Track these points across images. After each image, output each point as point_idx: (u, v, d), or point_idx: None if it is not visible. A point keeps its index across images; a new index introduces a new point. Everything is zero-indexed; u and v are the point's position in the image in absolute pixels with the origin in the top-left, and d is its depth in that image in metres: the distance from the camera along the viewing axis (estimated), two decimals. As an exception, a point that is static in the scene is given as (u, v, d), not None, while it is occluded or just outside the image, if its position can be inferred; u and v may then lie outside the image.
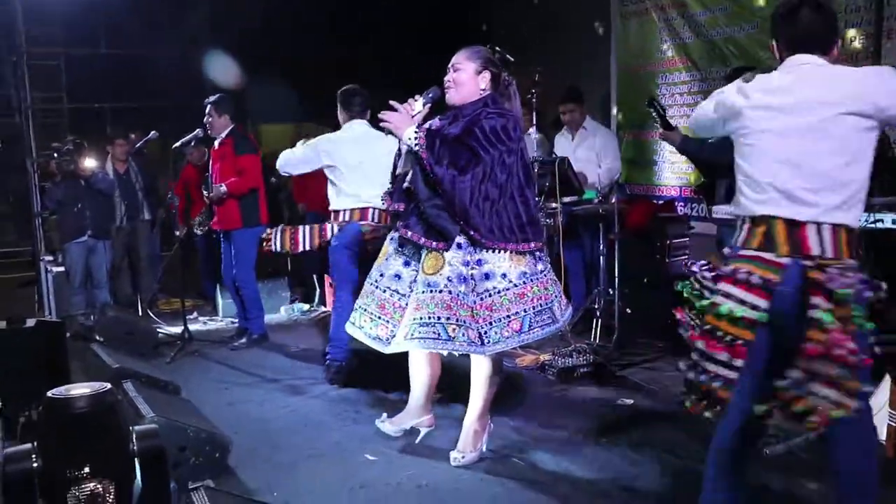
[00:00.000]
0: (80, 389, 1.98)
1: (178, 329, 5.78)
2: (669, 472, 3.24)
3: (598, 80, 7.10)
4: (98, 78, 8.89)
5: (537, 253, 3.32)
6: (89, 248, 6.24)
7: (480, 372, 3.37)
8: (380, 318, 3.35)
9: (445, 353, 3.31)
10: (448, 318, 3.16)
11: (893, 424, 3.19)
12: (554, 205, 5.00)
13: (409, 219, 3.29)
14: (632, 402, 4.11)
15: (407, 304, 3.29)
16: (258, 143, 6.33)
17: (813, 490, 2.98)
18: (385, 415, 3.68)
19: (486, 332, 3.15)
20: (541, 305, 3.25)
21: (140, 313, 6.58)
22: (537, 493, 3.09)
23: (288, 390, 4.58)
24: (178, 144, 5.62)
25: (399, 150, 3.42)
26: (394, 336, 3.31)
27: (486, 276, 3.19)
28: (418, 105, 3.32)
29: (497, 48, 3.63)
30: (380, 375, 4.51)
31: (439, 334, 3.17)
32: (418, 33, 7.80)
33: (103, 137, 7.22)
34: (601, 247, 5.23)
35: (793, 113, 2.30)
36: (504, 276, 3.20)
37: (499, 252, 3.20)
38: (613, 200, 5.16)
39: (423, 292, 3.22)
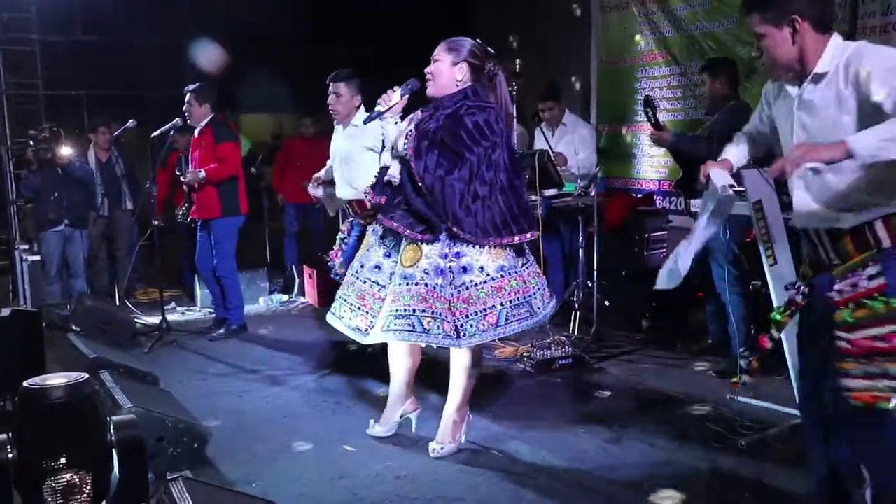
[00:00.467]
0: (56, 379, 1.96)
1: (155, 319, 5.75)
2: (646, 462, 3.27)
3: (578, 74, 7.13)
4: (74, 64, 8.77)
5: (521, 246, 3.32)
6: (66, 237, 6.18)
7: (460, 364, 3.38)
8: (359, 308, 3.35)
9: (423, 345, 3.32)
10: (423, 311, 3.16)
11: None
12: (534, 197, 5.01)
13: (394, 212, 3.28)
14: (609, 393, 4.14)
15: (387, 296, 3.30)
16: (238, 132, 6.28)
17: (785, 477, 3.02)
18: (371, 421, 3.65)
19: (462, 325, 3.15)
20: (518, 299, 3.25)
21: (117, 303, 6.53)
22: (515, 483, 3.11)
23: (267, 381, 4.57)
24: (156, 133, 5.56)
25: (383, 142, 3.42)
26: (373, 327, 3.31)
27: (464, 270, 3.19)
28: (395, 96, 3.32)
29: (479, 40, 3.63)
30: (359, 366, 4.53)
31: (414, 327, 3.17)
32: (401, 27, 7.77)
33: (80, 125, 7.14)
34: (580, 239, 5.25)
35: None
36: (482, 269, 3.20)
37: (477, 245, 3.21)
38: (593, 193, 5.18)
39: (400, 285, 3.23)
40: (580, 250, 5.27)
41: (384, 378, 3.90)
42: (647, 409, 3.90)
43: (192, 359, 5.13)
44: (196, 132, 5.51)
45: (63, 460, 1.86)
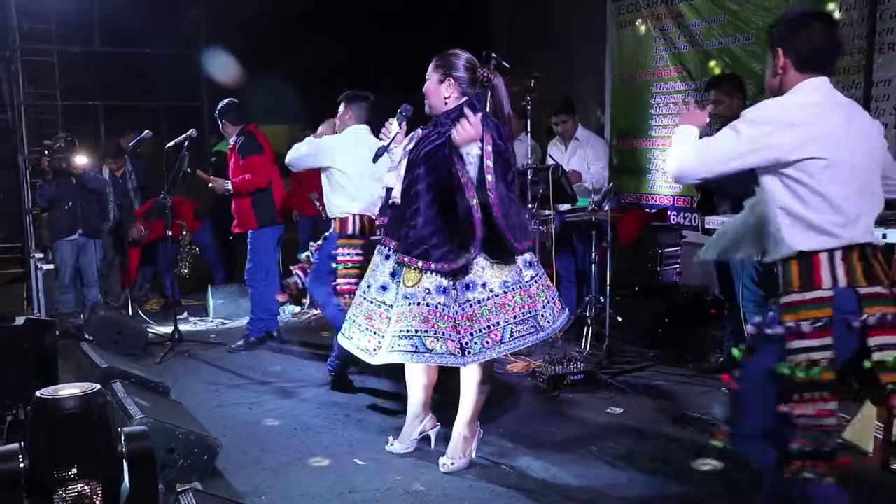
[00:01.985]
0: (68, 389, 1.96)
1: (168, 329, 5.76)
2: (658, 481, 3.24)
3: (593, 88, 7.12)
4: (92, 75, 8.84)
5: (527, 256, 3.31)
6: (80, 247, 6.21)
7: (470, 379, 3.36)
8: (368, 329, 3.35)
9: (432, 364, 3.30)
10: (426, 331, 3.15)
11: (880, 437, 3.21)
12: (547, 212, 5.00)
13: (405, 240, 3.22)
14: (622, 410, 4.11)
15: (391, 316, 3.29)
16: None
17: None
18: (391, 438, 3.63)
19: (467, 343, 3.13)
20: (523, 314, 3.22)
21: (130, 313, 6.55)
22: (526, 500, 3.09)
23: (278, 393, 4.56)
24: (171, 144, 5.60)
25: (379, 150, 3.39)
26: (381, 347, 3.29)
27: (467, 287, 3.17)
28: (394, 127, 3.34)
29: (493, 54, 3.63)
30: (369, 380, 4.51)
31: (417, 347, 3.16)
32: (420, 38, 7.78)
33: (96, 135, 7.20)
34: (593, 254, 5.23)
35: (857, 142, 2.19)
36: (485, 285, 3.18)
37: (477, 262, 3.18)
38: (606, 208, 5.17)
39: (403, 305, 3.22)
40: (593, 265, 5.25)
41: (393, 390, 3.88)
42: (660, 426, 3.86)
43: (204, 369, 5.14)
44: (230, 144, 5.63)
45: (74, 470, 1.86)
